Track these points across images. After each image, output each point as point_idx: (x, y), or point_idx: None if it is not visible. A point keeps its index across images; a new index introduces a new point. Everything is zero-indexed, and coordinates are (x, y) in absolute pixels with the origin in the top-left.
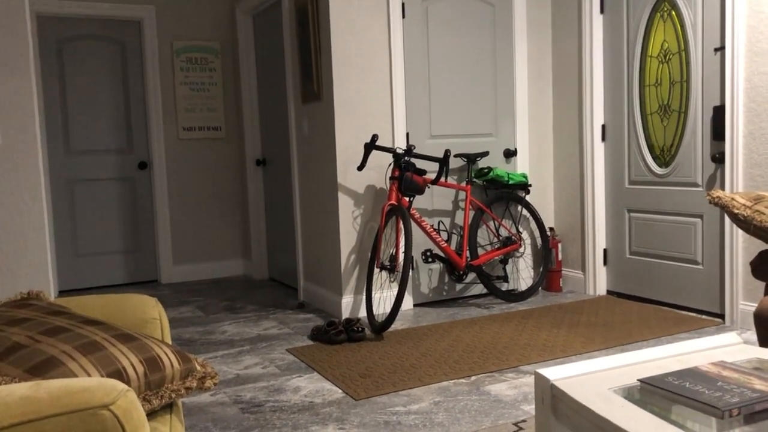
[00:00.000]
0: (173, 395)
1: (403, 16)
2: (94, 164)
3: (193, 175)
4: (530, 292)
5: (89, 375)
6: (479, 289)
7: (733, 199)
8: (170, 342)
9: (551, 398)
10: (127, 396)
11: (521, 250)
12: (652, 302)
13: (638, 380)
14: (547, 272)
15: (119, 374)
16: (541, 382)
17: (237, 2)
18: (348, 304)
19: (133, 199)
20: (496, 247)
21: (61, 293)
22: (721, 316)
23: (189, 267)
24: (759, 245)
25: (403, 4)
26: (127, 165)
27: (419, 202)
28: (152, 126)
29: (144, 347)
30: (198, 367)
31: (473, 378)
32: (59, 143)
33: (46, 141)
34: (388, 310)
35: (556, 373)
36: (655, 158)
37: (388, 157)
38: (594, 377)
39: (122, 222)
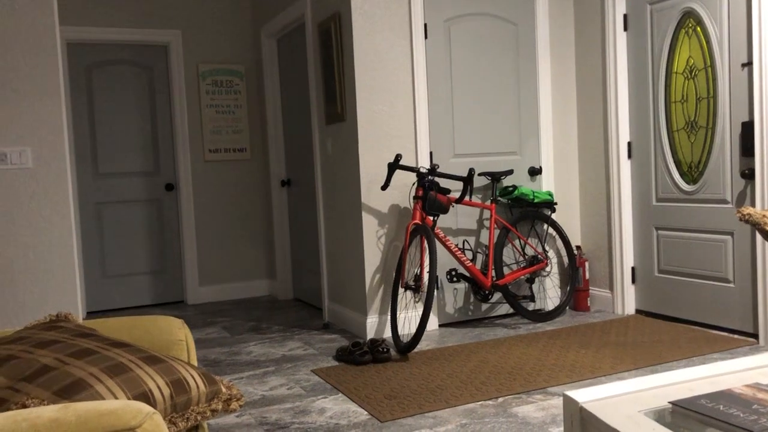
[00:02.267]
0: (199, 417)
1: (426, 37)
2: (122, 186)
3: (219, 196)
4: (557, 311)
5: (116, 397)
6: (505, 309)
7: (764, 216)
8: (196, 363)
9: (580, 421)
10: (153, 419)
11: (548, 269)
12: (682, 321)
13: (670, 402)
14: (575, 291)
15: (146, 396)
16: (569, 404)
17: (261, 26)
18: (373, 325)
19: (160, 221)
20: (522, 266)
21: (89, 314)
22: (755, 335)
23: (215, 288)
24: None
25: (425, 25)
26: (154, 187)
27: (443, 221)
28: (179, 148)
29: (170, 369)
30: (223, 389)
31: (500, 400)
32: (88, 166)
33: (75, 164)
34: (413, 330)
35: (585, 395)
36: (682, 175)
37: (412, 177)
38: (624, 399)
39: (149, 243)
